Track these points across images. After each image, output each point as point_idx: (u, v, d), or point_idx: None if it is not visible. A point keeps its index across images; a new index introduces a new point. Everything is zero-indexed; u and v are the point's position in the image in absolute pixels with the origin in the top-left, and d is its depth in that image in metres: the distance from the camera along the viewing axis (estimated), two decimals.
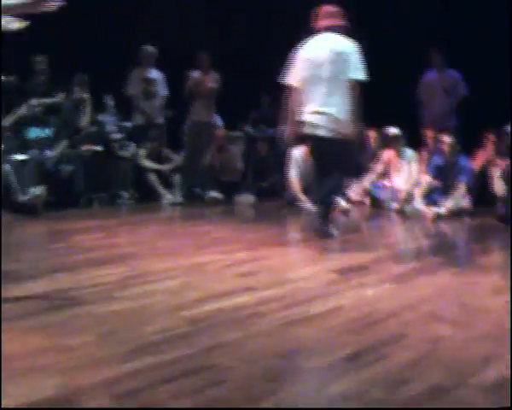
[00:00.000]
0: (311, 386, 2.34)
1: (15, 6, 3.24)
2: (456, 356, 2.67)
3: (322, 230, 5.44)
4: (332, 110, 5.27)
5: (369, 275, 4.15)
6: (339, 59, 5.27)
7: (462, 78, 8.14)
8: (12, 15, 3.32)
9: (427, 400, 2.24)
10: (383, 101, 8.95)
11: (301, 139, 5.91)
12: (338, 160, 5.30)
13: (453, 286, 3.94)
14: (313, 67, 5.32)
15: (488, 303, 3.50)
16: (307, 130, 5.39)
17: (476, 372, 2.46)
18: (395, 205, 7.58)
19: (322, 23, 5.44)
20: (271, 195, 8.64)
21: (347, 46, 5.32)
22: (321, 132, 5.30)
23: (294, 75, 5.40)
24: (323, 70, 5.30)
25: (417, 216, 7.01)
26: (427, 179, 7.39)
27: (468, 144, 7.57)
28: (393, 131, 7.87)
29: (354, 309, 3.34)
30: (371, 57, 5.43)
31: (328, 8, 5.49)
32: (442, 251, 5.27)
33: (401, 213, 7.32)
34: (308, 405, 2.20)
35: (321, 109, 5.29)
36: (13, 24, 3.35)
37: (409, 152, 7.93)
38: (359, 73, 5.27)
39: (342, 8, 5.47)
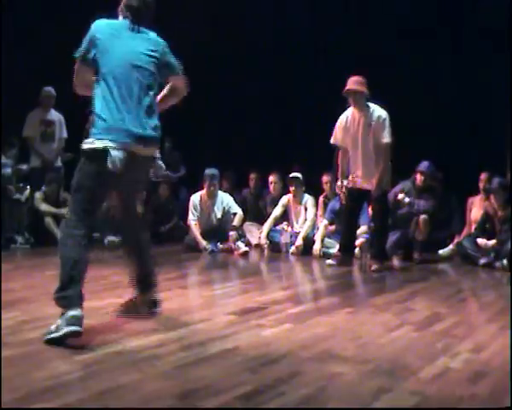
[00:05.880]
0: None
1: None
2: (349, 391, 2.74)
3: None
4: None
5: (266, 316, 4.19)
6: None
7: None
8: None
9: None
10: (285, 146, 9.22)
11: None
12: None
13: (348, 325, 4.04)
14: None
15: (381, 340, 3.62)
16: None
17: (367, 405, 2.53)
18: (293, 248, 7.72)
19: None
20: (170, 239, 8.59)
21: None
22: None
23: None
24: None
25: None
26: (324, 223, 7.59)
27: None
28: (294, 173, 8.04)
29: (251, 349, 3.36)
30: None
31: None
32: (338, 292, 5.40)
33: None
34: None
35: None
36: None
37: (307, 197, 8.11)
38: None
39: None
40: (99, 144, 3.50)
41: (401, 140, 6.55)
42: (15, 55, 9.09)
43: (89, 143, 3.54)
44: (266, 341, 3.56)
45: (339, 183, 6.78)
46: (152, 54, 3.73)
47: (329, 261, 6.79)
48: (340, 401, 2.60)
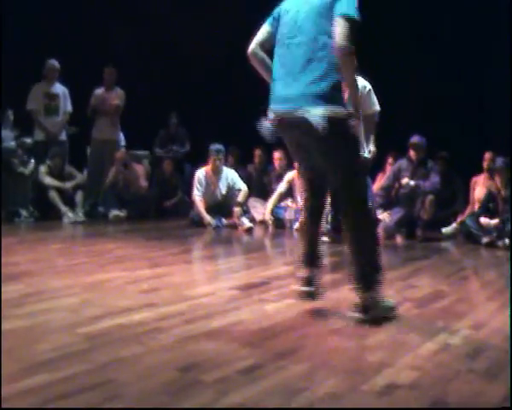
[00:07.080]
0: (209, 398, 2.35)
1: None
2: (350, 365, 2.76)
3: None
4: None
5: (269, 291, 4.22)
6: None
7: None
8: None
9: (321, 406, 2.31)
10: None
11: None
12: None
13: (350, 300, 4.04)
14: None
15: None
16: None
17: (368, 379, 2.56)
18: (297, 225, 7.71)
19: None
20: (175, 214, 8.63)
21: None
22: None
23: None
24: None
25: None
26: (329, 200, 7.57)
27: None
28: None
29: (254, 323, 3.38)
30: None
31: None
32: (340, 268, 5.41)
33: None
34: None
35: None
36: None
37: None
38: None
39: None
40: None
41: (404, 120, 6.52)
42: (18, 26, 9.05)
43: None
44: (268, 315, 3.58)
45: None
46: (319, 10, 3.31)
47: (324, 239, 6.82)
48: (340, 374, 2.62)
